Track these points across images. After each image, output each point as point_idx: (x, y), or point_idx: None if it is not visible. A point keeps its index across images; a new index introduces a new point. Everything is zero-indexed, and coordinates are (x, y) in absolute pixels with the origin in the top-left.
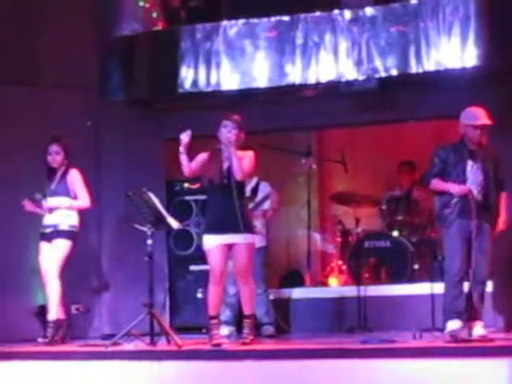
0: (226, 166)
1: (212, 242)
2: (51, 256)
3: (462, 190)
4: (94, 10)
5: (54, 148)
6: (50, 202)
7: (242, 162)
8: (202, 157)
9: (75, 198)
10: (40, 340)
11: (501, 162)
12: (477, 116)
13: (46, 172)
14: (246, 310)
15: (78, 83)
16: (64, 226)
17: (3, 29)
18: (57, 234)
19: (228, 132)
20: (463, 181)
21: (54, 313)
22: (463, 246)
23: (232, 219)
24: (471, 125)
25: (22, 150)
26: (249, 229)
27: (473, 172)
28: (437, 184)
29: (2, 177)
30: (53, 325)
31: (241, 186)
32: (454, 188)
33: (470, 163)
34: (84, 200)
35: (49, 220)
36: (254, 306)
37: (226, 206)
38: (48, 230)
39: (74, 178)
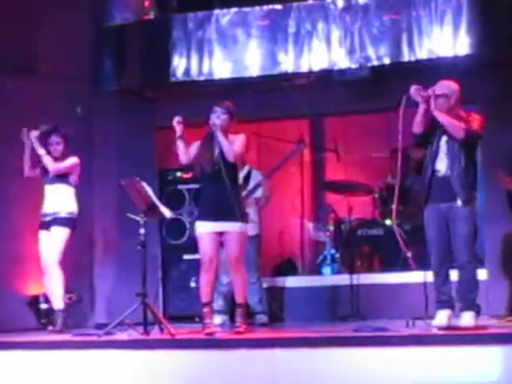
0: (216, 151)
1: (203, 229)
2: (50, 244)
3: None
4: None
5: (54, 139)
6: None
7: (232, 144)
8: (196, 145)
9: (75, 185)
10: (50, 328)
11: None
12: None
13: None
14: (239, 299)
15: (70, 73)
16: (63, 214)
17: None
18: (55, 221)
19: (217, 117)
20: (436, 150)
21: (60, 302)
22: (438, 232)
23: (224, 207)
24: None
25: (18, 137)
26: (241, 217)
27: (442, 145)
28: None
29: None
30: (60, 313)
31: (233, 172)
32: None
33: (444, 138)
34: (62, 165)
35: (48, 208)
36: (247, 295)
37: (217, 194)
38: (47, 219)
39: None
